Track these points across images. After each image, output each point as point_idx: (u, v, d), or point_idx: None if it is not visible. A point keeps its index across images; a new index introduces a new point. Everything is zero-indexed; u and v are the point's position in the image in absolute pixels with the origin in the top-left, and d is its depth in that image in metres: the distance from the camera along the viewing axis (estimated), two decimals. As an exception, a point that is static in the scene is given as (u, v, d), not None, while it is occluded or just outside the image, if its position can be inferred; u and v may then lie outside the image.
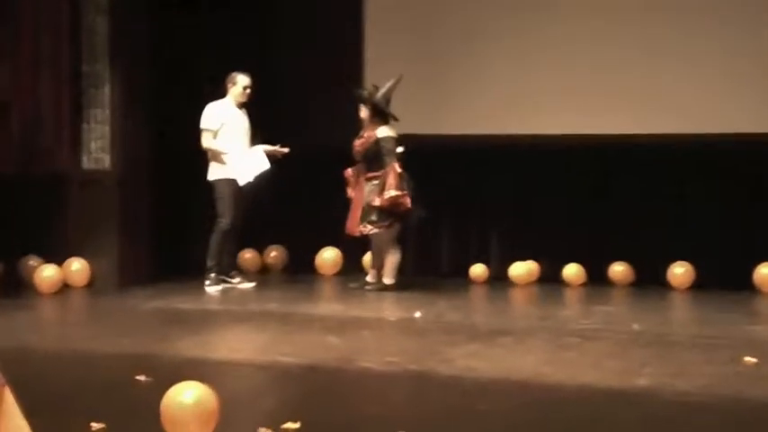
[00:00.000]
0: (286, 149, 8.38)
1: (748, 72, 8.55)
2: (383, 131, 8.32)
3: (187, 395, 3.86)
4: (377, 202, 8.17)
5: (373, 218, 8.25)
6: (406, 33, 9.44)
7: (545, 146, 8.97)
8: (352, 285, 8.67)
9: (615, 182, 9.00)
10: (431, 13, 9.41)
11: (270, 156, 8.32)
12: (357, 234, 8.43)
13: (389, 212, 8.22)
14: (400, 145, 8.28)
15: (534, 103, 8.97)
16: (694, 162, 8.76)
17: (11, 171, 8.41)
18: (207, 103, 8.34)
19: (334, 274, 9.51)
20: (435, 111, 9.20)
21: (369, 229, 8.31)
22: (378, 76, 8.76)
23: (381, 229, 8.29)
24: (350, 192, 8.56)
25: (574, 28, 8.94)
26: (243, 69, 8.39)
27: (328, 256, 9.56)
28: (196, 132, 8.31)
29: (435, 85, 9.24)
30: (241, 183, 8.24)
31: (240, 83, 8.34)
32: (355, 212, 8.40)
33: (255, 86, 8.44)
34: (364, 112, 8.44)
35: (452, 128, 9.16)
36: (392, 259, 8.45)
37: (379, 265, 8.56)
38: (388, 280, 8.46)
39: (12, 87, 8.52)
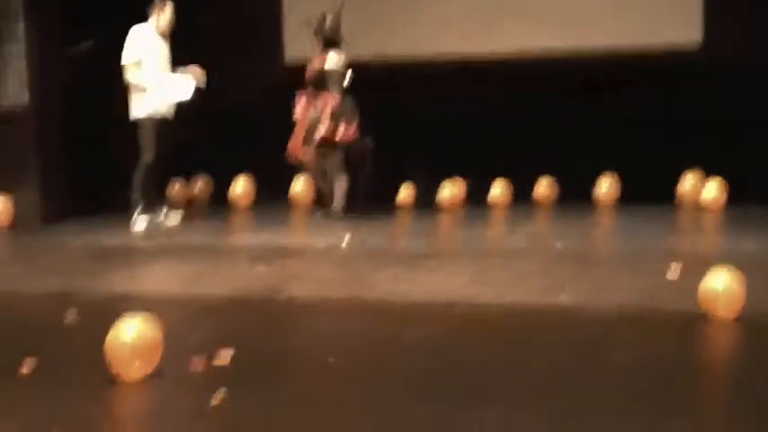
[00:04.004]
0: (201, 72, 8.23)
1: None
2: (331, 61, 8.27)
3: (130, 331, 3.89)
4: (317, 133, 8.16)
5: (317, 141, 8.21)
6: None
7: (464, 66, 9.05)
8: (317, 215, 8.63)
9: (537, 99, 9.08)
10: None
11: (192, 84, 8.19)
12: (300, 156, 8.38)
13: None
14: (348, 71, 8.24)
15: (454, 22, 9.09)
16: (613, 76, 8.88)
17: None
18: (126, 32, 8.12)
19: (249, 205, 9.49)
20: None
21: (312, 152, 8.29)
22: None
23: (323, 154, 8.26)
24: (297, 112, 8.43)
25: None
26: None
27: (242, 187, 9.54)
28: (118, 62, 8.11)
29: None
30: (171, 106, 8.13)
31: (169, 10, 8.15)
32: (298, 135, 8.35)
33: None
34: (316, 42, 8.42)
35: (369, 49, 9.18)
36: (340, 186, 8.40)
37: (323, 191, 8.56)
38: (336, 206, 8.44)
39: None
